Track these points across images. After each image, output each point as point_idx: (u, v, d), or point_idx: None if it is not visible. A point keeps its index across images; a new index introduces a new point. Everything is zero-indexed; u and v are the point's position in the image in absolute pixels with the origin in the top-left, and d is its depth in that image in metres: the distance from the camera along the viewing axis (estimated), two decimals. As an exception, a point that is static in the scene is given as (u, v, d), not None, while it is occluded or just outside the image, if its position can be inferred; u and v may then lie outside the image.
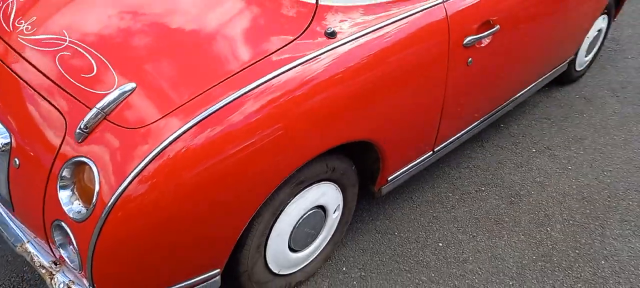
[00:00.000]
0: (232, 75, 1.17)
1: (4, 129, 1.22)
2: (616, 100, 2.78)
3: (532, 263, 1.78)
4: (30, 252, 1.28)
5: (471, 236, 1.88)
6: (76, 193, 1.13)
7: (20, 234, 1.34)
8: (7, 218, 1.37)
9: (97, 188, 1.07)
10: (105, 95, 1.12)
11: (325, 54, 1.27)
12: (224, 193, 1.17)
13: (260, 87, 1.17)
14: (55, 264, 1.25)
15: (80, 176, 1.13)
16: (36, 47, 1.28)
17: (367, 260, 1.76)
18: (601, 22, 2.72)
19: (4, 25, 1.37)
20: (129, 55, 1.24)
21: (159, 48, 1.26)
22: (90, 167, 1.08)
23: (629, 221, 1.98)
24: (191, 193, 1.11)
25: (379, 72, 1.37)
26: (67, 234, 1.13)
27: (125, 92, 1.13)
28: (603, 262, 1.81)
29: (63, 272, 1.23)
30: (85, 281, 1.18)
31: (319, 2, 1.33)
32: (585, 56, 2.82)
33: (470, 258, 1.79)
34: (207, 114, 1.11)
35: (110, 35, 1.30)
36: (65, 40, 1.27)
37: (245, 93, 1.15)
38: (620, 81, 2.96)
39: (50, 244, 1.23)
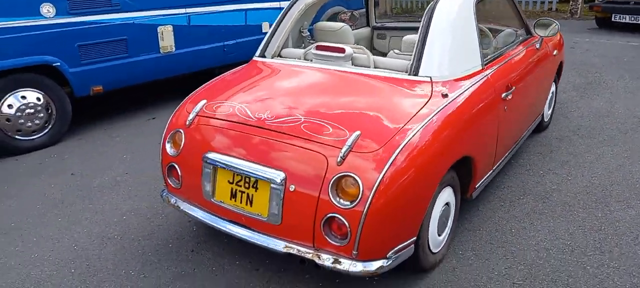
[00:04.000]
0: (407, 122, 2.09)
1: (280, 171, 2.02)
2: (578, 136, 3.96)
3: (560, 228, 2.69)
4: (293, 247, 2.01)
5: (529, 223, 2.77)
6: (340, 195, 1.93)
7: (276, 242, 2.06)
8: (265, 238, 2.09)
9: (361, 187, 1.88)
10: (347, 139, 1.99)
11: (445, 106, 2.24)
12: (416, 187, 2.02)
13: (422, 127, 2.09)
14: (316, 249, 1.98)
15: (340, 185, 1.94)
16: (284, 125, 2.14)
17: (471, 245, 2.57)
18: (553, 86, 4.00)
19: (250, 117, 2.23)
20: (342, 119, 2.13)
21: (357, 112, 2.18)
22: (352, 177, 1.90)
23: (621, 201, 2.98)
24: (404, 185, 1.95)
25: (469, 112, 2.36)
26: (335, 222, 1.90)
27: (358, 135, 2.00)
28: (604, 227, 2.74)
29: (324, 252, 1.96)
30: (343, 255, 1.93)
31: (433, 80, 2.34)
32: (548, 110, 4.05)
33: (529, 226, 2.66)
34: (402, 146, 1.99)
35: (322, 110, 2.20)
36: (301, 118, 2.15)
37: (417, 131, 2.06)
38: (574, 125, 4.20)
39: (314, 238, 1.96)
